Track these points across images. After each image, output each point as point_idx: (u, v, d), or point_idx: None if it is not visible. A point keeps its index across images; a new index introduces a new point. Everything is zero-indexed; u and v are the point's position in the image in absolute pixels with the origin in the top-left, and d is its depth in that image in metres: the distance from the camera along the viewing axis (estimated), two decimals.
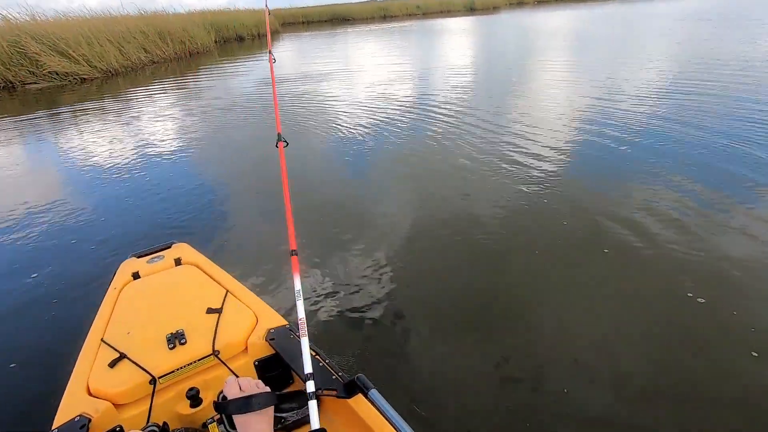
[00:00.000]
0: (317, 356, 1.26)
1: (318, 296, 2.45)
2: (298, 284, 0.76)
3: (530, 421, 1.67)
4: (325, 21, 38.79)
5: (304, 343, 0.66)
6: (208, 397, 1.22)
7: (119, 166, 4.96)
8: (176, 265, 1.77)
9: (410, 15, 40.53)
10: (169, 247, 1.91)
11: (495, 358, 1.97)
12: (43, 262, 3.05)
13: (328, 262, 2.78)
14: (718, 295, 2.27)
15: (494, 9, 42.60)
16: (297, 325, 0.67)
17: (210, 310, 1.43)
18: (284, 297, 2.46)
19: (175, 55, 16.10)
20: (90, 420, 1.09)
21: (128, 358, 1.26)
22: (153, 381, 1.20)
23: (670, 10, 25.20)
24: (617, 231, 2.91)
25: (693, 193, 3.37)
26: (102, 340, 1.35)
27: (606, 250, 2.72)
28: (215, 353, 1.28)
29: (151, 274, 1.72)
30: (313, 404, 0.56)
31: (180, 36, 16.63)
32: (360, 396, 1.10)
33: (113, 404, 1.17)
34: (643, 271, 2.53)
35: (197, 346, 1.30)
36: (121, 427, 1.11)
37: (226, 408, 0.84)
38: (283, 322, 1.43)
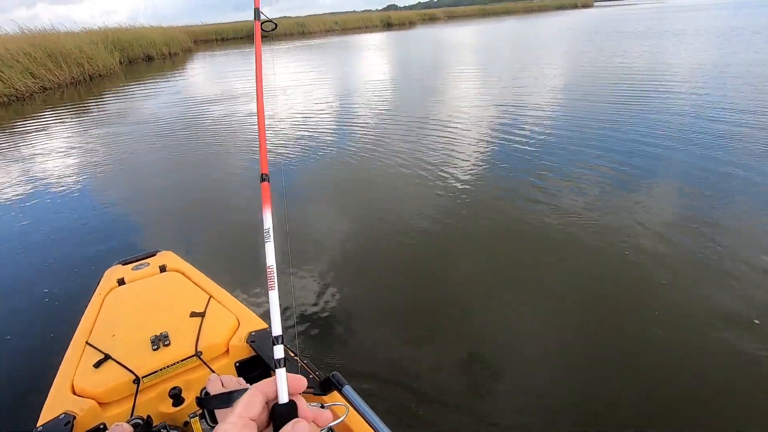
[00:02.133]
0: (295, 357, 1.33)
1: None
2: (268, 221, 0.69)
3: (474, 399, 1.87)
4: (241, 38, 37.56)
5: (272, 296, 0.62)
6: (190, 397, 1.27)
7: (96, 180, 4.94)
8: (161, 272, 1.80)
9: (329, 31, 40.77)
10: (154, 255, 1.95)
11: (439, 347, 2.17)
12: (28, 272, 3.17)
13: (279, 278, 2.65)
14: (626, 269, 2.68)
15: (410, 24, 44.39)
16: (266, 271, 0.64)
17: (193, 314, 1.47)
18: (265, 303, 2.50)
19: (72, 79, 14.35)
20: (74, 417, 1.12)
21: (112, 359, 1.30)
22: (137, 380, 1.24)
23: (560, 24, 28.06)
24: (534, 222, 3.29)
25: (592, 182, 3.91)
26: (87, 342, 1.38)
27: (524, 240, 3.09)
28: (198, 354, 1.33)
29: (135, 280, 1.76)
30: (281, 373, 0.50)
31: (76, 57, 14.89)
32: (335, 393, 1.16)
33: (97, 402, 1.20)
34: (560, 254, 2.87)
35: (180, 347, 1.34)
36: (104, 424, 1.16)
37: (208, 403, 0.85)
38: (263, 325, 1.47)
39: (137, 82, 14.24)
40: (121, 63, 18.36)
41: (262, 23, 0.91)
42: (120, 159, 5.86)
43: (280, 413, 0.48)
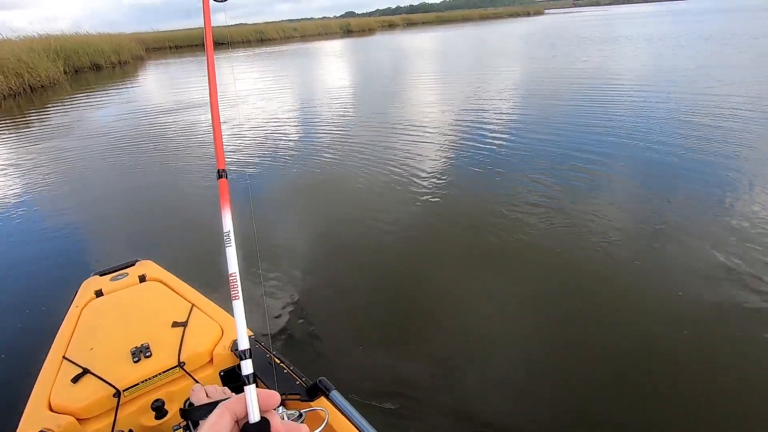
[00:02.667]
0: (281, 364, 1.30)
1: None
2: (228, 223, 0.62)
3: (450, 396, 1.90)
4: (196, 45, 36.44)
5: (236, 306, 0.58)
6: (174, 409, 1.24)
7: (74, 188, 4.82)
8: (140, 282, 1.75)
9: (288, 38, 40.32)
10: (133, 265, 1.89)
11: (414, 347, 2.20)
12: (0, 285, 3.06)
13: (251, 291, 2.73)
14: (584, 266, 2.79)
15: (369, 31, 44.69)
16: (229, 279, 0.58)
17: (175, 324, 1.43)
18: (249, 308, 2.62)
19: (10, 91, 13.35)
20: None
21: (91, 373, 1.25)
22: (117, 394, 1.20)
23: (515, 31, 29.15)
24: (496, 226, 3.33)
25: (555, 181, 4.04)
26: (64, 357, 1.34)
27: (490, 244, 3.11)
28: (180, 365, 1.30)
29: (114, 291, 1.71)
30: (250, 390, 0.48)
31: (14, 67, 13.92)
32: (323, 398, 1.15)
33: (76, 419, 1.16)
34: (525, 258, 2.90)
35: (162, 358, 1.31)
36: None
37: (192, 414, 0.83)
38: (249, 333, 1.46)
39: (85, 93, 13.46)
40: (66, 73, 17.31)
41: None
42: (79, 172, 5.54)
43: None
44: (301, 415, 0.96)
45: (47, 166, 5.87)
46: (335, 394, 1.14)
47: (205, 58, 0.81)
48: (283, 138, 6.36)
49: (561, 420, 1.78)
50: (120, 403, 1.21)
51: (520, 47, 18.31)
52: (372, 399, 1.89)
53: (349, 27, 44.18)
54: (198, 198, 4.50)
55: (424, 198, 3.88)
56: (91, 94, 13.24)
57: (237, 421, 0.47)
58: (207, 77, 0.78)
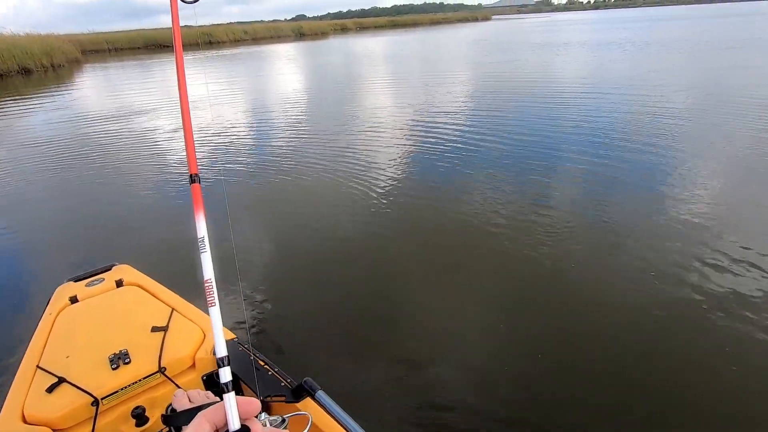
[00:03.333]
0: (266, 366, 1.29)
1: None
2: (202, 228, 0.61)
3: (417, 404, 1.90)
4: (138, 48, 34.45)
5: (213, 313, 0.56)
6: (155, 415, 1.21)
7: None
8: (117, 287, 1.71)
9: (239, 41, 39.06)
10: (110, 269, 1.83)
11: (387, 347, 2.23)
12: None
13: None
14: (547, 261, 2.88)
15: (322, 34, 44.31)
16: (204, 286, 0.57)
17: (155, 329, 1.40)
18: (231, 312, 2.47)
19: None
20: None
21: (68, 382, 1.21)
22: (95, 402, 1.17)
23: (464, 36, 30.00)
24: (455, 223, 3.43)
25: (508, 180, 4.17)
26: (38, 366, 1.29)
27: (449, 239, 3.23)
28: (161, 370, 1.27)
29: (90, 297, 1.65)
30: (229, 398, 0.48)
31: None
32: (309, 399, 1.13)
33: (52, 429, 1.13)
34: (481, 257, 2.99)
35: (142, 364, 1.28)
36: None
37: (174, 420, 0.81)
38: (231, 336, 1.44)
39: (12, 99, 12.23)
40: None
41: None
42: (19, 182, 5.04)
43: None
44: (284, 420, 0.94)
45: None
46: (321, 394, 1.12)
47: (174, 60, 0.76)
48: (241, 142, 6.11)
49: (522, 411, 1.84)
50: (99, 411, 1.17)
51: (471, 52, 18.80)
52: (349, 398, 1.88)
53: (301, 30, 43.52)
54: (153, 203, 4.29)
55: (385, 202, 3.88)
56: (19, 100, 12.04)
57: (217, 430, 0.46)
58: (177, 80, 0.75)
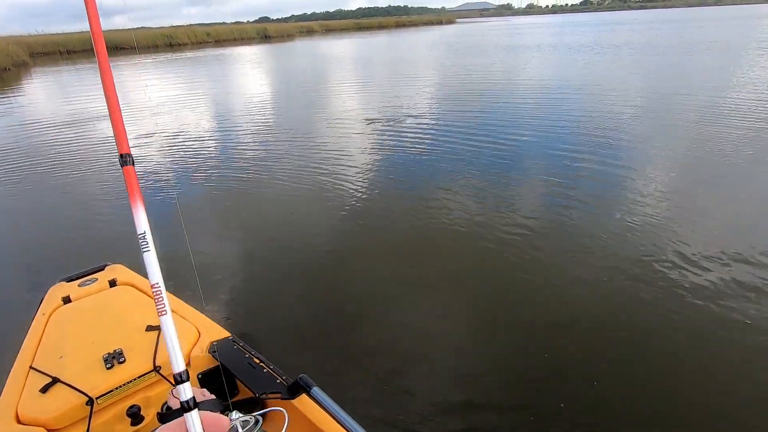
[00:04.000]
0: (261, 363, 1.30)
1: None
2: (142, 222, 0.50)
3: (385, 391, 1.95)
4: (91, 50, 32.69)
5: (164, 322, 0.49)
6: (151, 414, 1.21)
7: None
8: (111, 287, 1.70)
9: (200, 43, 37.92)
10: (103, 269, 1.84)
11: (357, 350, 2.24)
12: None
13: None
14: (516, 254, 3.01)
15: (288, 37, 43.75)
16: (153, 287, 0.50)
17: (149, 328, 1.40)
18: (227, 309, 2.47)
19: None
20: None
21: (62, 382, 1.21)
22: (90, 402, 1.17)
23: (430, 39, 30.43)
24: (427, 224, 3.49)
25: (473, 182, 4.24)
26: (31, 366, 1.29)
27: (417, 242, 3.26)
28: (156, 369, 1.27)
29: (83, 297, 1.65)
30: (191, 416, 0.45)
31: None
32: (304, 396, 1.13)
33: (47, 430, 1.13)
34: (449, 253, 3.07)
35: (137, 363, 1.28)
36: None
37: (170, 418, 0.80)
38: (225, 334, 1.45)
39: None
40: None
41: None
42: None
43: None
44: (257, 421, 0.92)
45: None
46: (316, 390, 1.12)
47: (89, 29, 0.71)
48: (206, 151, 5.91)
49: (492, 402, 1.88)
50: (93, 411, 1.17)
51: (437, 54, 19.05)
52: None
53: (266, 32, 42.73)
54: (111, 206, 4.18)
55: (353, 204, 3.90)
56: None
57: None
58: (95, 50, 0.69)
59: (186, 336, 1.40)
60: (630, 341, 2.16)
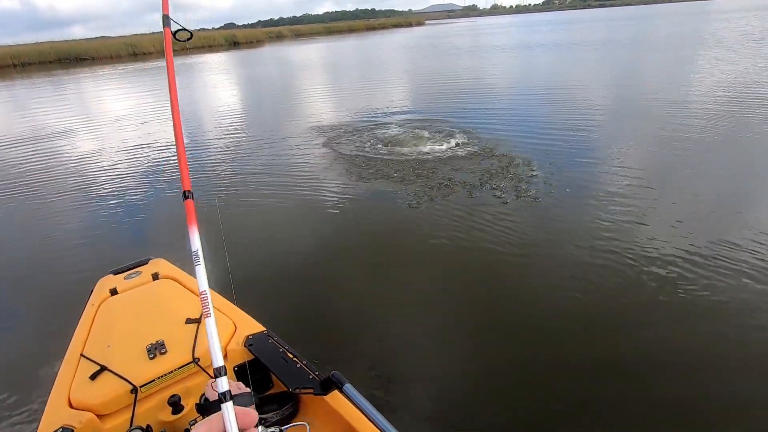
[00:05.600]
0: (294, 358, 1.33)
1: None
2: (196, 242, 0.61)
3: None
4: (50, 62, 31.19)
5: (209, 324, 0.57)
6: (190, 403, 1.25)
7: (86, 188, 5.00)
8: (154, 280, 1.78)
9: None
10: (146, 263, 1.92)
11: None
12: (18, 284, 3.20)
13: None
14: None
15: (258, 42, 43.02)
16: (200, 298, 0.59)
17: (189, 321, 1.45)
18: (260, 304, 2.40)
19: None
20: (73, 431, 1.13)
21: (109, 370, 1.28)
22: (134, 390, 1.24)
23: (403, 41, 30.55)
24: (401, 226, 3.61)
25: (447, 186, 4.30)
26: (81, 354, 1.37)
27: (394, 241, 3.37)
28: (195, 361, 1.31)
29: (128, 289, 1.73)
30: (227, 408, 0.49)
31: None
32: (336, 392, 1.16)
33: (96, 415, 1.20)
34: (434, 253, 3.15)
35: (177, 354, 1.33)
36: None
37: (208, 409, 0.82)
38: (260, 328, 1.49)
39: None
40: None
41: (174, 33, 0.86)
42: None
43: None
44: (281, 430, 0.97)
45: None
46: (348, 387, 1.14)
47: (167, 79, 0.81)
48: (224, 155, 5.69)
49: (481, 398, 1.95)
50: (137, 399, 1.23)
51: (410, 57, 19.09)
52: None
53: (235, 39, 41.79)
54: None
55: (329, 211, 3.95)
56: None
57: None
58: (169, 98, 0.79)
59: (223, 329, 1.44)
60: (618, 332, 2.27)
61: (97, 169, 5.82)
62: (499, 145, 5.28)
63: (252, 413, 0.48)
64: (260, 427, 0.66)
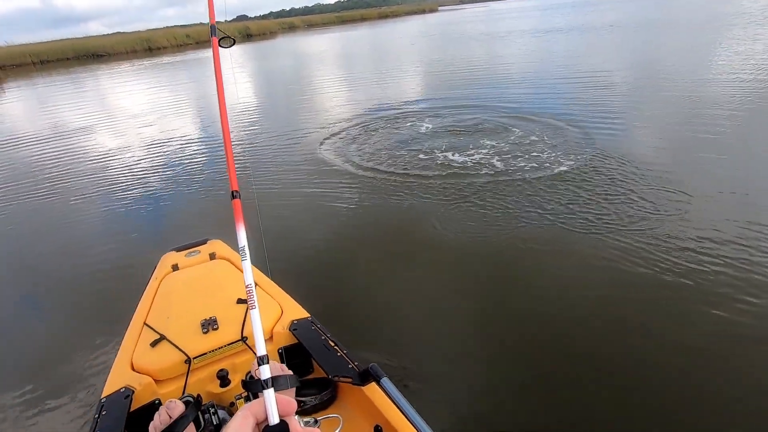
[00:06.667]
0: (335, 347, 1.38)
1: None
2: (243, 239, 0.65)
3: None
4: (68, 59, 31.44)
5: (254, 315, 0.60)
6: (236, 379, 1.34)
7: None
8: (211, 260, 1.91)
9: (180, 46, 36.63)
10: (205, 243, 2.04)
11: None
12: (93, 251, 3.55)
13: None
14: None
15: (271, 34, 42.69)
16: (246, 290, 0.61)
17: (240, 301, 1.54)
18: (306, 292, 2.37)
19: None
20: (133, 392, 1.25)
21: (167, 340, 1.40)
22: (188, 361, 1.34)
23: (403, 30, 29.89)
24: (404, 222, 3.52)
25: (461, 177, 4.14)
26: (144, 323, 1.51)
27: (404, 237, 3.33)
28: (243, 339, 1.41)
29: (188, 266, 1.86)
30: (269, 394, 0.51)
31: None
32: (373, 384, 1.20)
33: (153, 379, 1.31)
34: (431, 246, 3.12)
35: (228, 332, 1.43)
36: (159, 400, 1.27)
37: (252, 387, 0.87)
38: (306, 314, 1.55)
39: None
40: None
41: (219, 40, 0.95)
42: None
43: None
44: (317, 421, 1.04)
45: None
46: (386, 381, 1.17)
47: (215, 82, 0.86)
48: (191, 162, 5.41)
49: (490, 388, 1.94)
50: (190, 369, 1.32)
51: (430, 46, 18.55)
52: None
53: (248, 31, 41.50)
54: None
55: (344, 209, 3.87)
56: None
57: (258, 424, 0.48)
58: (218, 100, 0.84)
59: (270, 312, 1.51)
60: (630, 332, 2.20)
61: (157, 163, 5.86)
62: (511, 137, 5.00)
63: (291, 402, 0.49)
64: (297, 417, 0.68)
